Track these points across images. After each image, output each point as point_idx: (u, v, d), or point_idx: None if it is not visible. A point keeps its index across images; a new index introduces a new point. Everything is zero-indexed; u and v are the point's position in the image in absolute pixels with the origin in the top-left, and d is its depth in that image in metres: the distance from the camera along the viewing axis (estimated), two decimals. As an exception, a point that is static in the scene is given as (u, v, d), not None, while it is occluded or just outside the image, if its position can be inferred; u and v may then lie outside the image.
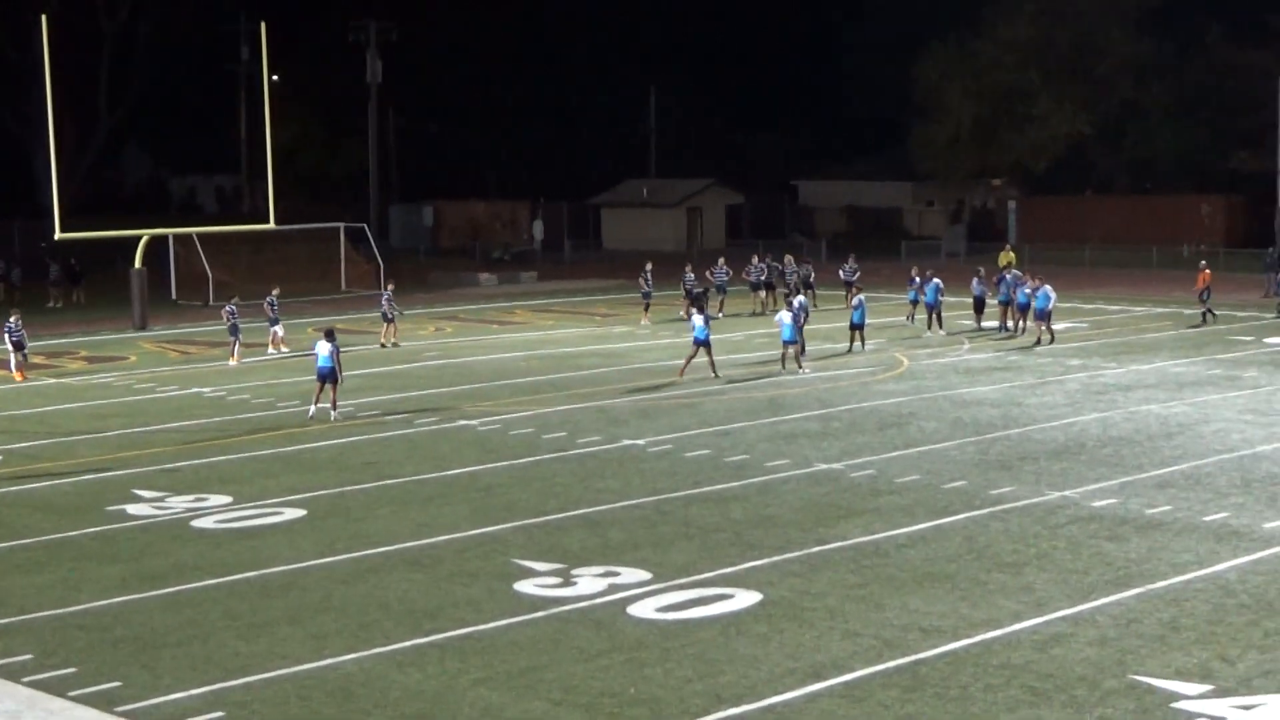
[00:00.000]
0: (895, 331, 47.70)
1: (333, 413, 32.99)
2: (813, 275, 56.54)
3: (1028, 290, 45.71)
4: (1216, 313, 50.52)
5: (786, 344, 39.44)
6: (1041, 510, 23.74)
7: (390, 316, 46.66)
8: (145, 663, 17.15)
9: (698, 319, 38.67)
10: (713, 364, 38.35)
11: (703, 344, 38.16)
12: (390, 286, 48.37)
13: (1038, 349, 43.17)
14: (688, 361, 38.36)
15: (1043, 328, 44.75)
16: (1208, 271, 50.81)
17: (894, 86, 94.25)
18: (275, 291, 46.14)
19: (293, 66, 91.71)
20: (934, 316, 47.17)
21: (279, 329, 44.61)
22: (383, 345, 46.30)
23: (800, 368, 39.20)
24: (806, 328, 42.59)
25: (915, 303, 49.73)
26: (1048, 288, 44.99)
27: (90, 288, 64.05)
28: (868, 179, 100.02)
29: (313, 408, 33.11)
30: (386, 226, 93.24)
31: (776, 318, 40.38)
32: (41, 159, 68.44)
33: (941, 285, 47.58)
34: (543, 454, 28.85)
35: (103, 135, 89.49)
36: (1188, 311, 53.34)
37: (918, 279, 50.17)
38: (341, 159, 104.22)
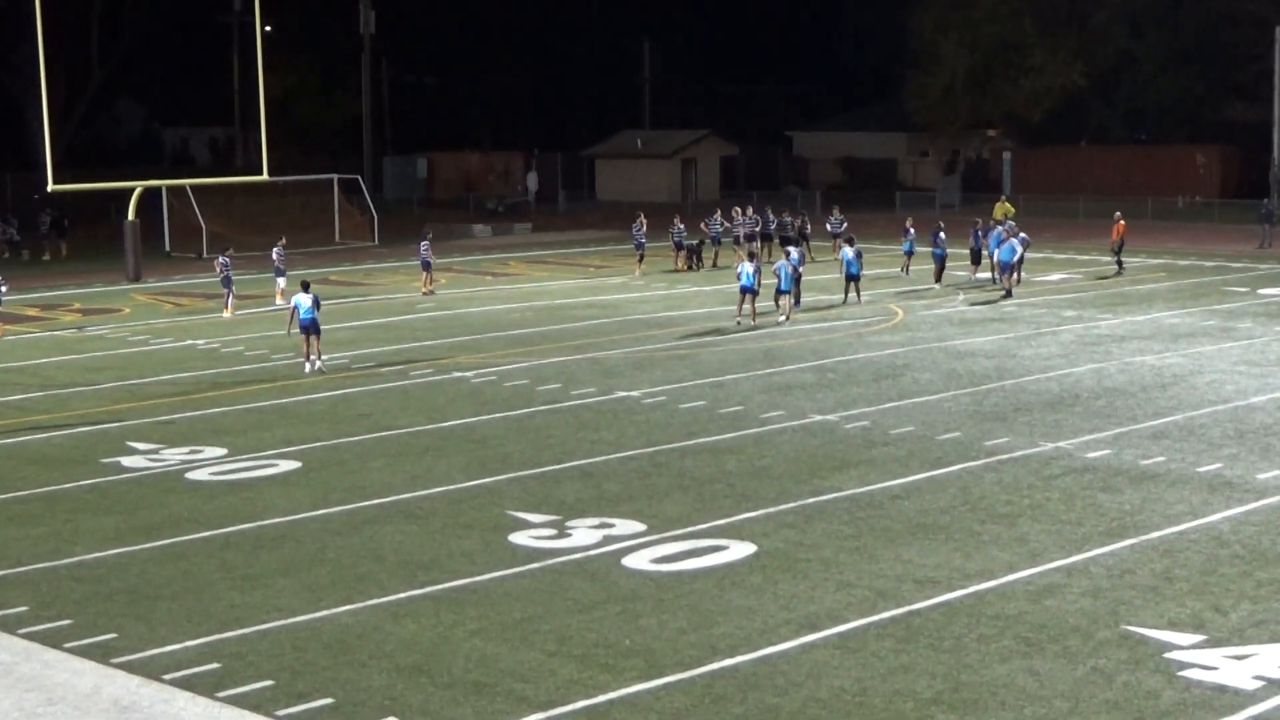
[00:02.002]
0: (890, 282, 47.66)
1: (315, 363, 32.99)
2: (808, 227, 56.40)
3: (1016, 242, 45.46)
4: (1124, 263, 50.40)
5: (780, 293, 39.52)
6: (1036, 462, 23.78)
7: (429, 264, 47.00)
8: (141, 614, 17.19)
9: (748, 266, 38.79)
10: (753, 311, 38.80)
11: (748, 291, 38.42)
12: (429, 235, 48.26)
13: (1027, 300, 43.12)
14: (752, 309, 38.78)
15: (1008, 279, 44.66)
16: (1123, 223, 50.67)
17: (889, 38, 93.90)
18: (282, 242, 46.00)
19: (285, 17, 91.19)
20: (1002, 270, 46.84)
21: (284, 280, 44.41)
22: (425, 293, 46.56)
23: (783, 318, 39.26)
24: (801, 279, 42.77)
25: (910, 254, 49.67)
26: (1014, 241, 44.94)
27: (84, 240, 63.92)
28: (862, 130, 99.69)
29: (307, 364, 33.08)
30: (380, 178, 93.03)
31: (775, 268, 40.39)
32: (33, 112, 68.23)
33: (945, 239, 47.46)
34: (537, 406, 28.86)
35: (94, 87, 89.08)
36: (1182, 263, 53.35)
37: (912, 230, 50.10)
38: (335, 110, 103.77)
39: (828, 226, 56.24)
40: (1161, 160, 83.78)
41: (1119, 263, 50.26)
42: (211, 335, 38.98)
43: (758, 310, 39.17)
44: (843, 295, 43.34)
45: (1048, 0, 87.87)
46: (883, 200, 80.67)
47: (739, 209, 56.64)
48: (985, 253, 48.03)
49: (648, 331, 38.27)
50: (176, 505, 22.02)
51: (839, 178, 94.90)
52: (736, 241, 54.04)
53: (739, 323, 38.65)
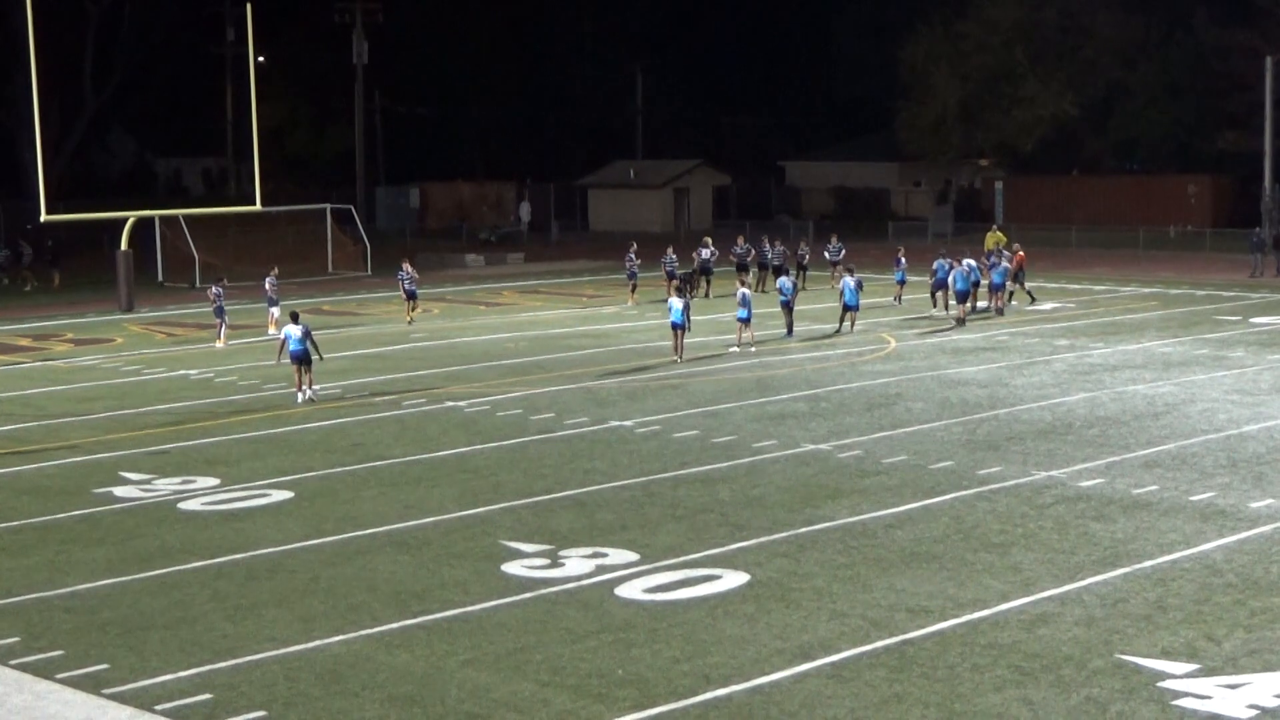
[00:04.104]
0: (883, 312, 47.70)
1: (305, 392, 32.94)
2: (807, 257, 56.40)
3: (996, 265, 45.59)
4: (1033, 294, 50.35)
5: (741, 321, 39.62)
6: (1028, 490, 23.78)
7: (414, 293, 47.49)
8: (133, 645, 17.15)
9: (676, 302, 38.40)
10: (681, 347, 38.03)
11: (677, 327, 37.88)
12: (406, 264, 48.30)
13: (1019, 329, 43.21)
14: (678, 344, 38.25)
15: (963, 308, 44.94)
16: (1022, 254, 50.71)
17: (881, 68, 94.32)
18: (275, 272, 46.07)
19: (279, 48, 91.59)
20: (937, 294, 46.98)
21: (277, 310, 44.35)
22: (410, 321, 46.95)
23: (739, 346, 39.48)
24: (796, 308, 42.92)
25: (903, 283, 49.75)
26: (964, 268, 45.13)
27: (76, 271, 63.91)
28: (855, 160, 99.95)
29: (299, 394, 33.06)
30: (373, 208, 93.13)
31: (737, 296, 40.57)
32: (27, 142, 68.27)
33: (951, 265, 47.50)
34: (530, 435, 28.85)
35: (88, 118, 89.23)
36: (1174, 293, 53.46)
37: (903, 260, 50.18)
38: (328, 141, 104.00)
39: (825, 254, 56.42)
40: (1153, 190, 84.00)
41: (1023, 291, 50.15)
42: (204, 365, 38.97)
43: (682, 346, 38.44)
44: (838, 324, 43.30)
45: (1039, 31, 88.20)
46: (875, 230, 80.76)
47: (709, 239, 56.79)
48: (987, 282, 48.07)
49: (641, 361, 38.25)
50: (169, 535, 21.98)
51: (831, 207, 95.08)
52: (739, 269, 54.35)
53: (676, 360, 37.85)
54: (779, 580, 19.17)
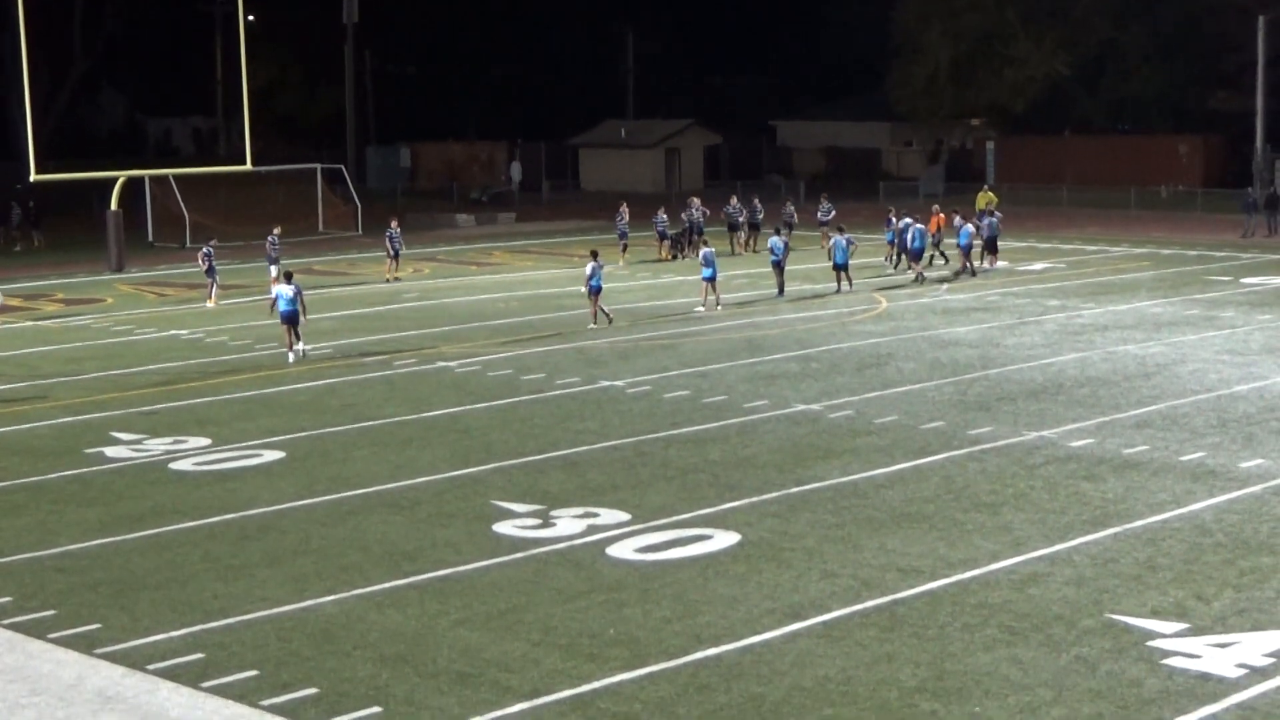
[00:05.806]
0: (874, 272, 47.69)
1: (293, 352, 32.94)
2: (794, 216, 56.35)
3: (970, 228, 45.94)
4: (946, 256, 49.95)
5: (707, 281, 39.78)
6: (1019, 451, 23.82)
7: (396, 252, 48.14)
8: (124, 605, 17.17)
9: (589, 266, 37.40)
10: (594, 313, 37.41)
11: (592, 291, 37.16)
12: (394, 223, 48.61)
13: (1010, 289, 43.21)
14: (600, 310, 37.58)
15: (916, 266, 45.51)
16: (941, 215, 50.73)
17: (873, 27, 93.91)
18: (277, 231, 46.05)
19: (268, 7, 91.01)
20: (911, 258, 47.04)
21: (275, 269, 44.15)
22: (388, 280, 47.45)
23: (703, 306, 39.77)
24: (786, 268, 42.91)
25: (893, 243, 49.71)
26: (920, 228, 45.47)
27: (66, 230, 63.74)
28: (846, 120, 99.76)
29: (290, 354, 33.06)
30: (364, 168, 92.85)
31: (700, 256, 40.78)
32: (15, 101, 67.95)
33: (924, 230, 47.54)
34: (521, 395, 28.85)
35: (77, 77, 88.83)
36: (1165, 253, 53.46)
37: (894, 220, 50.12)
38: (318, 100, 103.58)
39: (818, 215, 56.41)
40: (1145, 150, 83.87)
41: (942, 254, 50.04)
42: (195, 325, 38.93)
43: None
44: (837, 285, 43.18)
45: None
46: (867, 190, 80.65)
47: (697, 199, 56.83)
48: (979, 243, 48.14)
49: (631, 321, 38.22)
50: (160, 496, 21.99)
51: (823, 167, 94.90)
52: (731, 229, 54.57)
53: (593, 325, 37.19)
54: (770, 540, 19.21)
